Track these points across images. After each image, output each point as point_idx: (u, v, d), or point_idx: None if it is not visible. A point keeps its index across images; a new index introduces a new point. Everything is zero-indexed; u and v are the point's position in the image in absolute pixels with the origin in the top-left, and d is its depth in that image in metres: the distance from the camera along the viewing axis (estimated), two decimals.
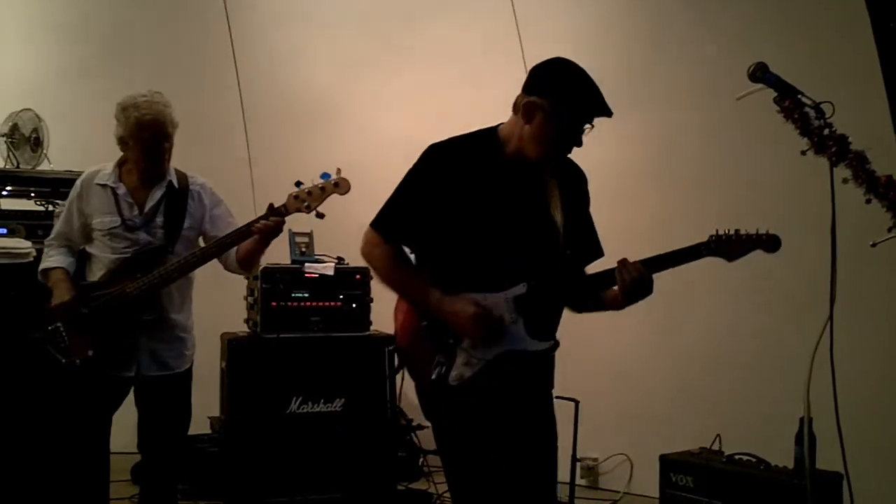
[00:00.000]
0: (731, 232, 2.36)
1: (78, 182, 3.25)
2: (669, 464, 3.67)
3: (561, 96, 2.31)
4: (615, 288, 2.36)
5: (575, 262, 2.49)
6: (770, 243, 2.37)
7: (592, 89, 2.33)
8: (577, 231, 2.49)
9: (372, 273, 2.53)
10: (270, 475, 4.21)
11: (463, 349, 2.36)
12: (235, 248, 3.17)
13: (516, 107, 2.39)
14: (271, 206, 3.04)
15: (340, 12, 5.59)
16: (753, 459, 3.51)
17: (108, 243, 3.15)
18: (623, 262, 2.34)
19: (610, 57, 4.74)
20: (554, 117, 2.32)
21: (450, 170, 2.41)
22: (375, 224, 2.46)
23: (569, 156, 2.47)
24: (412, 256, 2.52)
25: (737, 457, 3.55)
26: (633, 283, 2.31)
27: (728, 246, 2.36)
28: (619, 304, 2.40)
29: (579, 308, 2.54)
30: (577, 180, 2.55)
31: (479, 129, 2.48)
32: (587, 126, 2.35)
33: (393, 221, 2.45)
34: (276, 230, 3.04)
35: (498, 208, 2.39)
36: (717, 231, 2.37)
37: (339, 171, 3.01)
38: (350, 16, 5.57)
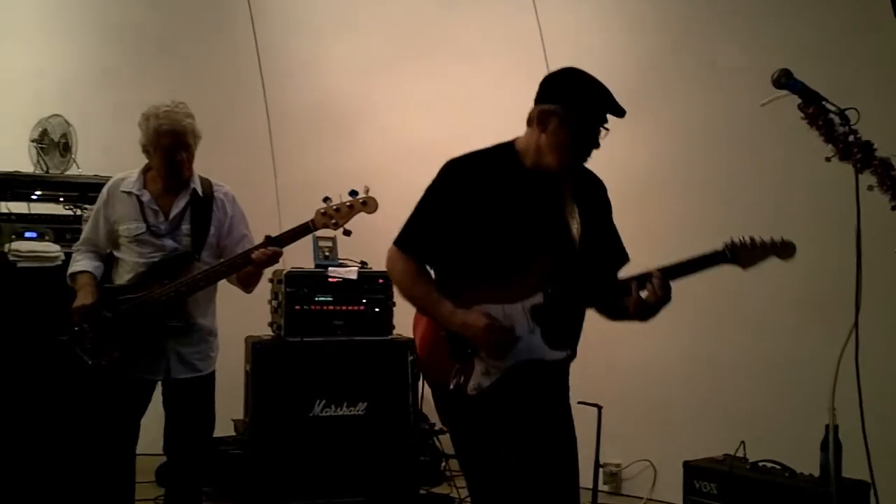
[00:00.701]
0: (746, 240, 2.34)
1: (104, 189, 3.30)
2: (693, 470, 3.65)
3: (572, 99, 2.33)
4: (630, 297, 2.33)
5: (600, 270, 2.46)
6: (784, 250, 2.35)
7: (602, 90, 2.34)
8: (598, 239, 2.48)
9: (395, 289, 2.54)
10: (293, 478, 4.23)
11: (480, 359, 2.36)
12: None
13: (530, 119, 2.41)
14: (268, 237, 3.10)
15: (364, 18, 5.62)
16: (778, 467, 3.47)
17: (136, 248, 3.19)
18: (648, 275, 2.31)
19: (634, 58, 4.74)
20: (568, 121, 2.33)
21: (468, 185, 2.42)
22: (398, 242, 2.49)
23: (590, 164, 2.47)
24: (431, 272, 2.52)
25: (761, 464, 3.52)
26: (661, 291, 2.28)
27: (743, 253, 2.34)
28: (638, 314, 2.35)
29: (612, 315, 2.51)
30: (595, 190, 2.55)
31: (497, 144, 2.49)
32: (602, 130, 2.35)
33: (415, 238, 2.47)
34: (272, 259, 3.10)
35: (516, 221, 2.39)
36: (731, 239, 2.35)
37: (367, 189, 3.04)
38: (374, 21, 5.60)
